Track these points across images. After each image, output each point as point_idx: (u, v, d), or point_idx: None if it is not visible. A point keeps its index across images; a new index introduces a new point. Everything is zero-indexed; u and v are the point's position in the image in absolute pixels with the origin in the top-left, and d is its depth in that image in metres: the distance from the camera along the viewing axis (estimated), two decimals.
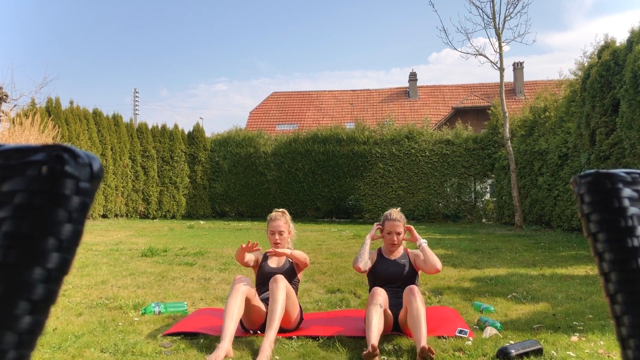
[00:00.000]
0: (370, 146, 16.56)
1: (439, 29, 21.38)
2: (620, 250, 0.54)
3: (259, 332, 3.25)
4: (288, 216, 3.68)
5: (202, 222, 15.04)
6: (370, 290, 3.30)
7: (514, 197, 12.37)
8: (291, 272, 3.50)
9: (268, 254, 3.60)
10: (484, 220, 16.10)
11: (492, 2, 12.45)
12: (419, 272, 3.50)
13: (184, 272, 5.62)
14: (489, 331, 3.18)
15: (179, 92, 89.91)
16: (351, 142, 16.68)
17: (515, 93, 28.74)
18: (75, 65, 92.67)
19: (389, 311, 3.17)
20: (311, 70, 76.79)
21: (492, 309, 3.86)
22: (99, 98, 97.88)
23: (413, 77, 31.29)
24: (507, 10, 12.46)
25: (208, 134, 17.95)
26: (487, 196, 16.52)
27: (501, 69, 12.68)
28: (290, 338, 3.19)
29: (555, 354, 2.79)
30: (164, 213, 16.72)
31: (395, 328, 3.29)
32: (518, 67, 29.57)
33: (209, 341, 3.07)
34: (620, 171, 0.55)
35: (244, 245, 3.34)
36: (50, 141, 11.66)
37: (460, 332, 3.16)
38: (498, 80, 13.03)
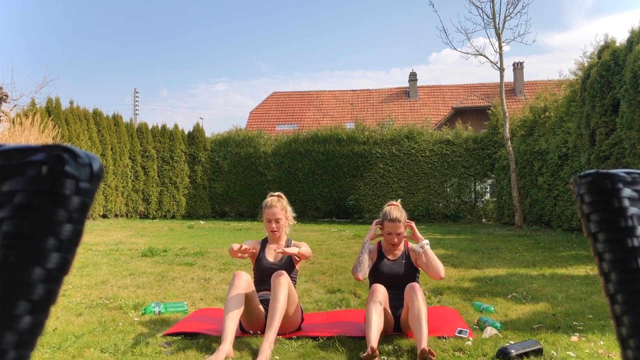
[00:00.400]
0: (370, 146, 16.56)
1: (439, 29, 21.44)
2: (620, 250, 0.54)
3: (258, 332, 3.23)
4: (285, 200, 3.49)
5: (202, 222, 15.04)
6: (370, 286, 3.27)
7: (514, 197, 12.38)
8: (290, 265, 3.38)
9: (274, 236, 3.43)
10: (484, 220, 16.10)
11: (492, 2, 12.47)
12: (420, 270, 3.45)
13: (184, 272, 5.62)
14: (489, 331, 3.18)
15: (179, 92, 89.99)
16: (351, 142, 16.68)
17: (515, 93, 28.75)
18: (75, 65, 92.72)
19: (389, 310, 3.15)
20: (311, 70, 76.86)
21: (492, 309, 3.86)
22: (99, 98, 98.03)
23: (413, 77, 31.29)
24: (507, 10, 12.47)
25: (208, 134, 17.98)
26: (487, 196, 16.52)
27: (501, 69, 12.68)
28: (290, 338, 3.18)
29: (555, 354, 2.79)
30: (164, 213, 16.72)
31: (397, 329, 3.28)
32: (518, 67, 29.57)
33: (209, 341, 3.07)
34: (620, 171, 0.55)
35: (235, 249, 3.15)
36: (50, 141, 11.67)
37: (460, 332, 3.16)
38: (498, 80, 13.03)
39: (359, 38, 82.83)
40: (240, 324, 3.21)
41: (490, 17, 12.54)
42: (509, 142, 12.69)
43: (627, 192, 0.55)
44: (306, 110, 31.06)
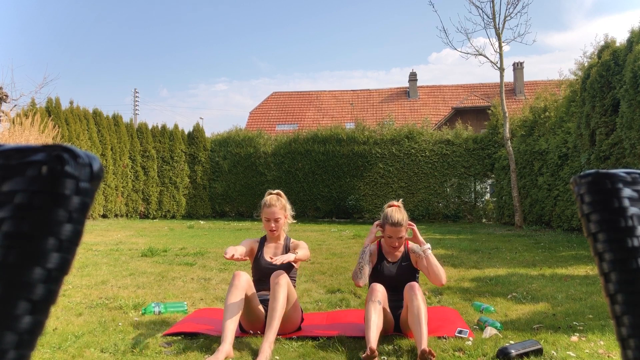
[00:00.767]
0: (370, 146, 16.56)
1: (439, 29, 21.46)
2: (620, 250, 0.54)
3: (258, 332, 3.22)
4: (284, 198, 3.43)
5: (202, 222, 15.04)
6: (369, 285, 3.25)
7: (514, 197, 12.38)
8: (289, 265, 3.30)
9: (273, 235, 3.38)
10: (484, 220, 16.10)
11: (492, 2, 12.47)
12: (419, 270, 3.43)
13: (184, 272, 5.61)
14: (489, 331, 3.17)
15: (179, 92, 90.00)
16: (351, 142, 16.68)
17: (515, 93, 28.75)
18: (75, 65, 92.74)
19: (388, 309, 3.15)
20: (311, 70, 76.87)
21: (492, 309, 3.86)
22: (99, 98, 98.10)
23: (413, 77, 31.30)
24: (507, 10, 12.48)
25: (208, 134, 17.99)
26: (487, 196, 16.52)
27: (501, 69, 12.68)
28: (290, 338, 3.18)
29: (555, 354, 2.79)
30: (164, 213, 16.72)
31: (397, 329, 3.28)
32: (518, 67, 29.58)
33: (209, 341, 3.07)
34: (620, 171, 0.55)
35: (227, 257, 3.05)
36: (50, 141, 11.66)
37: (460, 332, 3.15)
38: (498, 80, 13.03)
39: (359, 38, 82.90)
40: (240, 324, 3.20)
41: (490, 17, 12.56)
42: (509, 142, 12.69)
43: (627, 192, 0.55)
44: (306, 110, 31.06)
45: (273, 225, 3.35)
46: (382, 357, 2.85)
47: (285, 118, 30.69)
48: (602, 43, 9.94)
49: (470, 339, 3.07)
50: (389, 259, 3.38)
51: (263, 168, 17.11)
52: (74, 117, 14.05)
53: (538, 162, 12.05)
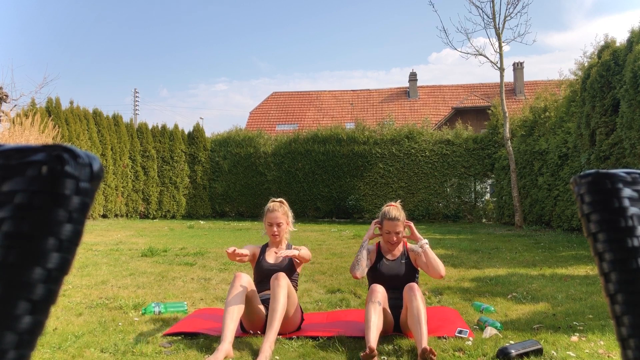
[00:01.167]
0: (370, 146, 16.56)
1: (439, 29, 21.42)
2: (620, 250, 0.54)
3: (259, 332, 3.23)
4: (287, 206, 3.54)
5: (202, 222, 15.04)
6: (369, 286, 3.27)
7: (514, 197, 12.38)
8: (290, 268, 3.39)
9: (275, 239, 3.47)
10: (484, 220, 16.10)
11: (492, 2, 12.47)
12: (419, 270, 3.45)
13: (184, 272, 5.61)
14: (489, 331, 3.18)
15: (179, 92, 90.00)
16: (351, 142, 16.68)
17: (515, 93, 28.75)
18: (75, 65, 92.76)
19: (388, 310, 3.16)
20: (311, 70, 76.86)
21: (492, 309, 3.86)
22: (99, 98, 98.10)
23: (413, 77, 31.30)
24: (507, 10, 12.48)
25: (208, 134, 17.99)
26: (487, 196, 16.52)
27: (501, 69, 12.68)
28: (290, 338, 3.19)
29: (555, 354, 2.79)
30: (164, 213, 16.72)
31: (397, 329, 3.28)
32: (518, 67, 29.58)
33: (209, 341, 3.07)
34: (620, 171, 0.55)
35: (229, 252, 3.14)
36: (50, 141, 11.67)
37: (460, 332, 3.16)
38: (498, 80, 13.03)
39: (359, 38, 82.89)
40: (241, 324, 3.22)
41: (490, 17, 12.56)
42: (509, 142, 12.69)
43: (627, 192, 0.55)
44: (306, 110, 31.06)
45: (275, 229, 3.44)
46: (382, 357, 2.85)
47: (285, 118, 30.69)
48: (602, 43, 9.94)
49: (470, 339, 3.07)
50: (388, 257, 3.42)
51: (263, 168, 17.11)
52: (74, 117, 14.05)
53: (538, 162, 12.05)
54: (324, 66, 77.97)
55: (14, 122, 11.06)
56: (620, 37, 18.57)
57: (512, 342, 2.94)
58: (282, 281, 3.09)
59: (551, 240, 9.06)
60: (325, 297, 4.42)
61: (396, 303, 3.25)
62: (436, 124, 25.46)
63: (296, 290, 3.39)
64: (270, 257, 3.46)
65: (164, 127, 17.05)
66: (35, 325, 0.44)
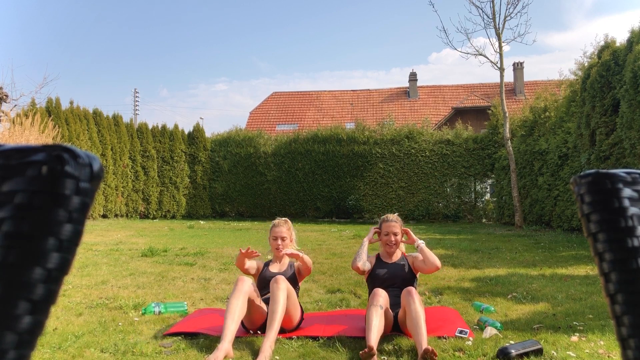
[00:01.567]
0: (370, 146, 16.56)
1: (439, 29, 21.40)
2: (620, 250, 0.54)
3: (259, 332, 3.25)
4: (290, 224, 3.73)
5: (202, 222, 15.04)
6: (370, 293, 3.32)
7: (514, 197, 12.37)
8: (293, 279, 3.49)
9: (279, 253, 3.59)
10: (484, 220, 16.10)
11: (492, 2, 12.47)
12: (418, 275, 3.55)
13: (184, 272, 5.62)
14: (489, 331, 3.18)
15: (179, 92, 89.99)
16: (351, 142, 16.68)
17: (515, 93, 28.74)
18: (75, 65, 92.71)
19: (390, 312, 3.18)
20: (311, 70, 76.85)
21: (492, 309, 3.86)
22: (99, 98, 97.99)
23: (413, 77, 31.29)
24: (507, 10, 12.47)
25: (208, 134, 18.00)
26: (487, 196, 16.52)
27: (501, 69, 12.68)
28: (290, 338, 3.19)
29: (555, 354, 2.79)
30: (164, 213, 16.72)
31: (395, 328, 3.29)
32: (518, 67, 29.57)
33: (209, 341, 3.07)
34: (620, 171, 0.55)
35: (243, 251, 3.32)
36: (50, 141, 11.67)
37: (460, 332, 3.16)
38: (498, 80, 13.03)
39: (359, 38, 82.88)
40: (242, 324, 3.26)
41: (490, 17, 12.55)
42: (509, 142, 12.69)
43: (627, 192, 0.55)
44: (306, 110, 31.05)
45: (279, 243, 3.56)
46: (382, 357, 2.85)
47: (285, 118, 30.68)
48: (602, 43, 9.94)
49: (471, 339, 3.07)
50: (387, 261, 3.57)
51: (263, 168, 17.11)
52: (74, 117, 14.05)
53: (538, 162, 12.05)
54: (324, 66, 78.02)
55: (14, 122, 11.06)
56: (620, 37, 18.60)
57: (512, 342, 2.94)
58: (281, 284, 3.16)
59: (551, 240, 9.06)
60: (325, 297, 4.43)
61: (395, 301, 3.30)
62: (436, 124, 25.45)
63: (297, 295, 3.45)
64: (274, 268, 3.59)
65: (164, 127, 17.05)
66: (35, 325, 0.44)
